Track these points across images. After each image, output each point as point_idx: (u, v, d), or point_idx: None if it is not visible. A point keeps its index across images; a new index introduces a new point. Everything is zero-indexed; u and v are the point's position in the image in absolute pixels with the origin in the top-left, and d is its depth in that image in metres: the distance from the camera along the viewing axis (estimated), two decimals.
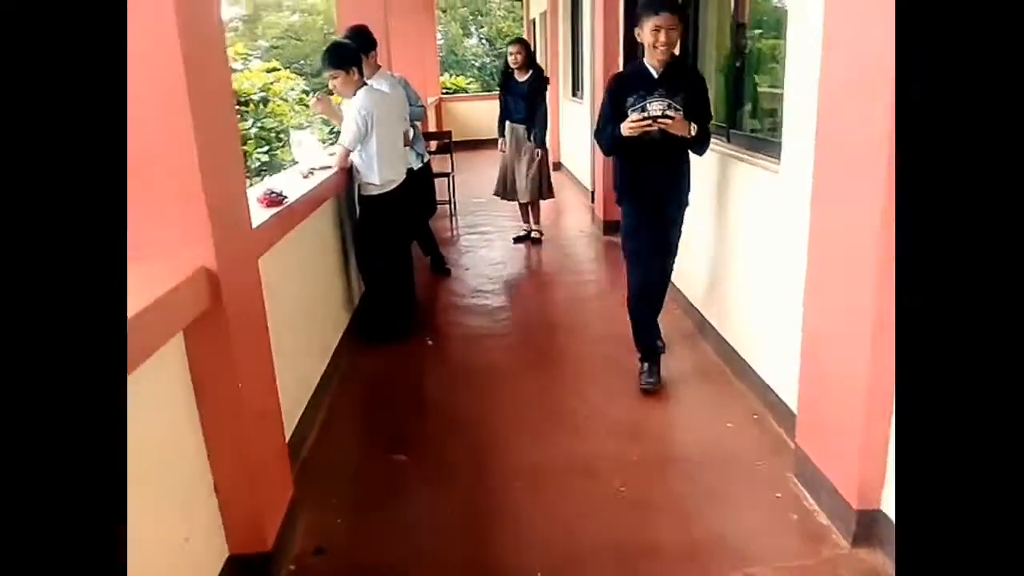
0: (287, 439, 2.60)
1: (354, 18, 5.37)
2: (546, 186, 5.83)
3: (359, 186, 3.78)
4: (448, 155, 7.41)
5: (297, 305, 2.96)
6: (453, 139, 7.58)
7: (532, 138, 5.65)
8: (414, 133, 5.01)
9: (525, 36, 14.65)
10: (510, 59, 5.62)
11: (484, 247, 5.99)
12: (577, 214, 7.25)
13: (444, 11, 23.11)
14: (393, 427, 3.02)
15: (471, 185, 8.99)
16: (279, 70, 12.31)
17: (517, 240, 6.03)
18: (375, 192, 3.73)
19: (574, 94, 9.27)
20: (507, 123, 5.82)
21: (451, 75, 18.20)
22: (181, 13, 1.61)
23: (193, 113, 1.65)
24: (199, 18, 1.74)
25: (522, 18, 21.42)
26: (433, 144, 7.88)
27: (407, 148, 5.00)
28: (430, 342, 3.91)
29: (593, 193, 7.29)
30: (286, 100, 11.27)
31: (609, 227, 6.02)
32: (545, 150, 5.80)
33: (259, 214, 2.48)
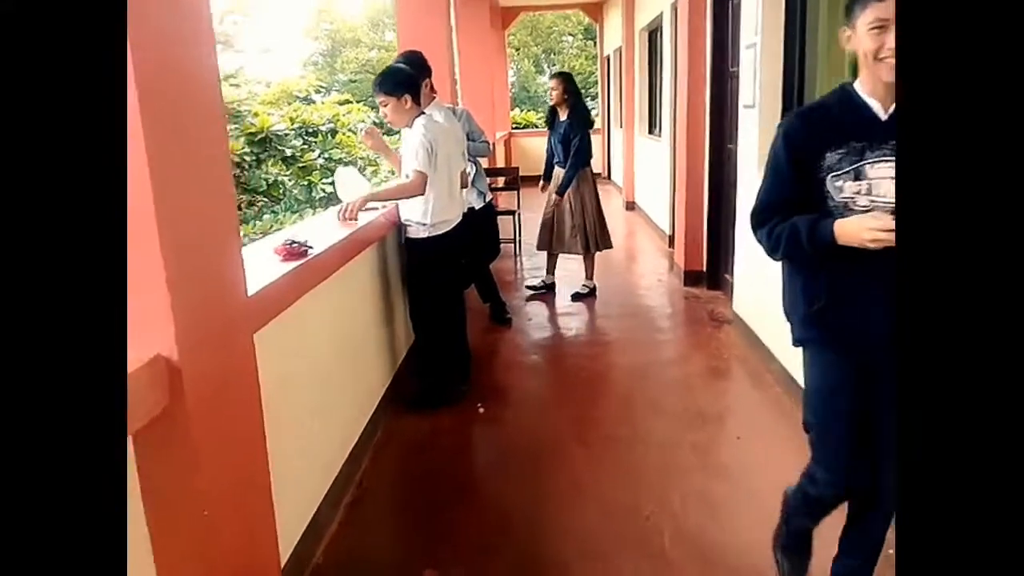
0: (294, 542, 2.12)
1: (415, 46, 5.03)
2: (593, 239, 5.20)
3: (405, 228, 3.32)
4: (515, 192, 6.97)
5: (320, 372, 2.50)
6: (521, 174, 7.15)
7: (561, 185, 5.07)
8: (476, 170, 4.58)
9: (599, 73, 14.25)
10: (548, 96, 5.10)
11: (550, 293, 5.46)
12: (653, 260, 6.65)
13: (517, 49, 23.13)
14: (429, 521, 2.49)
15: (538, 223, 8.51)
16: (351, 103, 12.31)
17: (532, 290, 5.46)
18: (423, 235, 3.27)
19: (650, 131, 8.75)
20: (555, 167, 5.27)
21: (522, 110, 18.01)
22: (136, 19, 1.17)
23: (148, 152, 1.19)
24: (164, 26, 1.29)
25: (595, 56, 21.23)
26: (500, 180, 7.50)
27: (466, 188, 4.57)
28: (481, 409, 3.38)
29: (672, 237, 6.69)
30: (354, 132, 11.20)
31: (691, 278, 5.41)
32: (594, 197, 5.20)
33: (272, 270, 2.02)
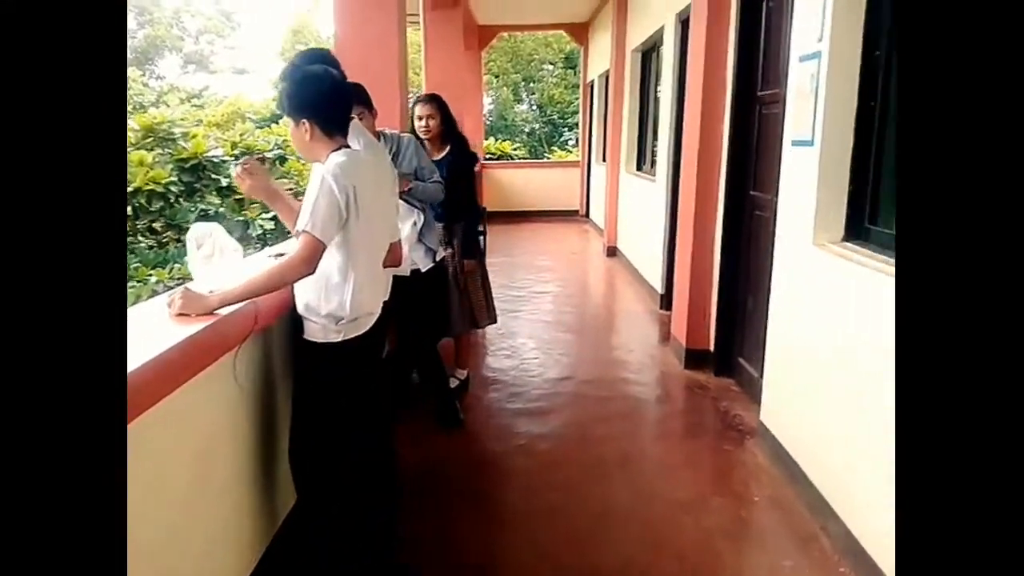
0: None
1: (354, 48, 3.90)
2: (479, 311, 3.86)
3: (302, 323, 2.13)
4: (482, 238, 5.81)
5: None
6: (493, 211, 6.04)
7: (454, 245, 3.70)
8: (424, 220, 3.43)
9: (581, 101, 13.24)
10: (418, 125, 3.61)
11: (519, 371, 4.29)
12: (641, 326, 5.50)
13: (496, 76, 22.24)
14: None
15: (509, 272, 7.38)
16: None
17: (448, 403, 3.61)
18: (335, 338, 2.09)
19: (639, 168, 7.70)
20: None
21: (498, 140, 17.01)
22: None
23: None
24: None
25: (575, 85, 20.33)
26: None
27: (417, 242, 3.41)
28: None
29: (664, 298, 5.58)
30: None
31: (693, 358, 4.28)
32: (479, 262, 3.89)
33: None
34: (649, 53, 7.17)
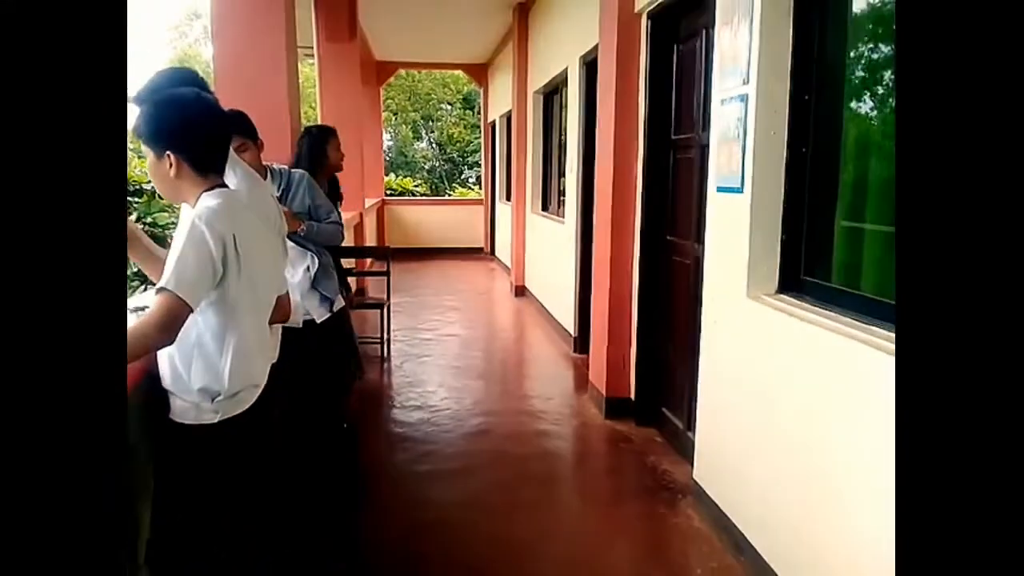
0: None
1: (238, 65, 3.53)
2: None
3: (169, 401, 1.71)
4: (385, 278, 5.45)
5: None
6: (396, 248, 5.72)
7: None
8: (319, 265, 3.06)
9: (482, 140, 13.15)
10: (335, 157, 3.40)
11: (430, 425, 3.92)
12: (554, 372, 5.26)
13: (395, 113, 21.99)
14: None
15: (414, 312, 7.01)
16: None
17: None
18: (209, 419, 1.68)
19: (544, 208, 7.57)
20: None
21: (399, 176, 16.70)
22: None
23: None
24: None
25: (475, 125, 20.35)
26: (367, 261, 6.05)
27: (311, 290, 3.03)
28: None
29: (579, 340, 5.39)
30: None
31: (614, 407, 4.06)
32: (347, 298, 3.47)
33: None
34: (552, 95, 7.10)
